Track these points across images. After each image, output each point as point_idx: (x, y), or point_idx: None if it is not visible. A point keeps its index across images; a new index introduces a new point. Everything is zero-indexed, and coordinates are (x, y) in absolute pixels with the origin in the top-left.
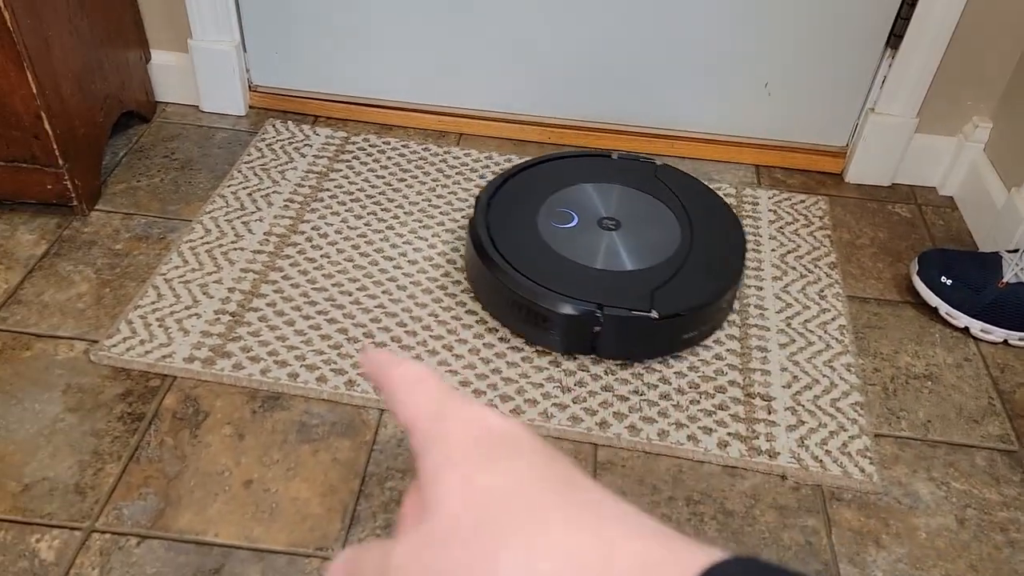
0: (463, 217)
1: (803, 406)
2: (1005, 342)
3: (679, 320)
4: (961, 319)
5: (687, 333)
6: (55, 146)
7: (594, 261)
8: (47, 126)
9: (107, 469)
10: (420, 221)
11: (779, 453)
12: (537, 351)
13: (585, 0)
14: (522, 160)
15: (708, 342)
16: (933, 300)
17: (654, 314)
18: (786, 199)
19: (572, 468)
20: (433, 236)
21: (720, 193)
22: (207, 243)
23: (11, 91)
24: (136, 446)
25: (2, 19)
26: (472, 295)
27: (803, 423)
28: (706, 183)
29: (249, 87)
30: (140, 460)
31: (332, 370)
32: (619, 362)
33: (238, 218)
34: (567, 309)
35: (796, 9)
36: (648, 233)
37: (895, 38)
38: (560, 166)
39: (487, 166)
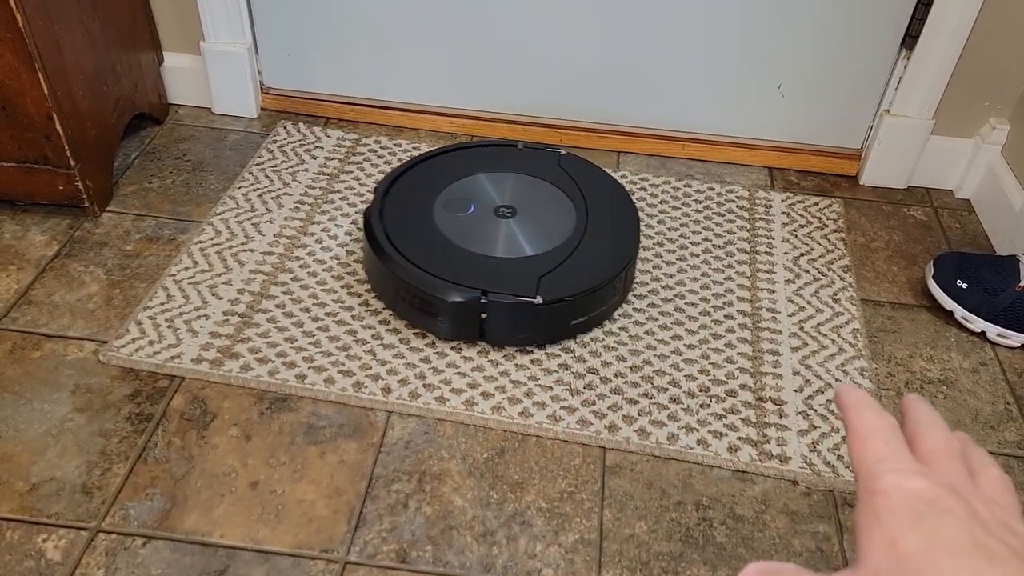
0: None
1: (815, 410)
2: (1022, 347)
3: (565, 305)
4: (977, 323)
5: (576, 319)
6: (66, 147)
7: (487, 249)
8: (58, 127)
9: (114, 469)
10: None
11: (790, 458)
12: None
13: (597, 2)
14: (426, 150)
15: (719, 345)
16: (949, 304)
17: (538, 299)
18: (800, 202)
19: (999, 532)
20: None
21: (618, 182)
22: (217, 244)
23: (23, 92)
24: (143, 446)
25: (14, 21)
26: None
27: (815, 427)
28: (609, 172)
29: (261, 89)
30: (147, 460)
31: (340, 372)
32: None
33: (248, 220)
34: (452, 296)
35: (809, 10)
36: (544, 220)
37: (910, 39)
38: (464, 156)
39: None
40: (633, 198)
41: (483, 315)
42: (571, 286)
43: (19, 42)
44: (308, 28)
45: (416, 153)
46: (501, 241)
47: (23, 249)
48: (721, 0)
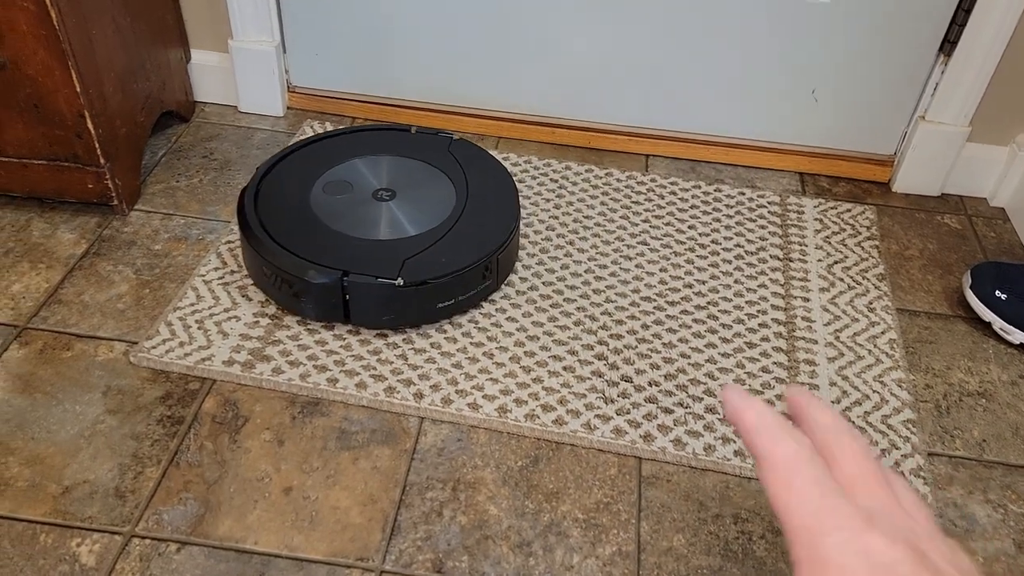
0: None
1: (853, 422)
2: None
3: (428, 288)
4: (1016, 335)
5: (442, 302)
6: (97, 146)
7: (358, 231)
8: (90, 125)
9: (147, 473)
10: None
11: None
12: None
13: (627, 4)
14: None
15: (754, 353)
16: (987, 315)
17: (399, 281)
18: (832, 208)
19: None
20: None
21: (510, 168)
22: None
23: (55, 90)
24: (176, 450)
25: (48, 18)
26: None
27: None
28: (498, 158)
29: (288, 88)
30: (180, 464)
31: (372, 376)
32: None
33: None
34: (313, 277)
35: (846, 13)
36: (422, 204)
37: (949, 44)
38: (353, 140)
39: (525, 170)
40: (663, 201)
41: (346, 296)
42: (435, 269)
43: (53, 39)
44: (336, 27)
45: None
46: (375, 224)
47: (52, 247)
48: (756, 3)
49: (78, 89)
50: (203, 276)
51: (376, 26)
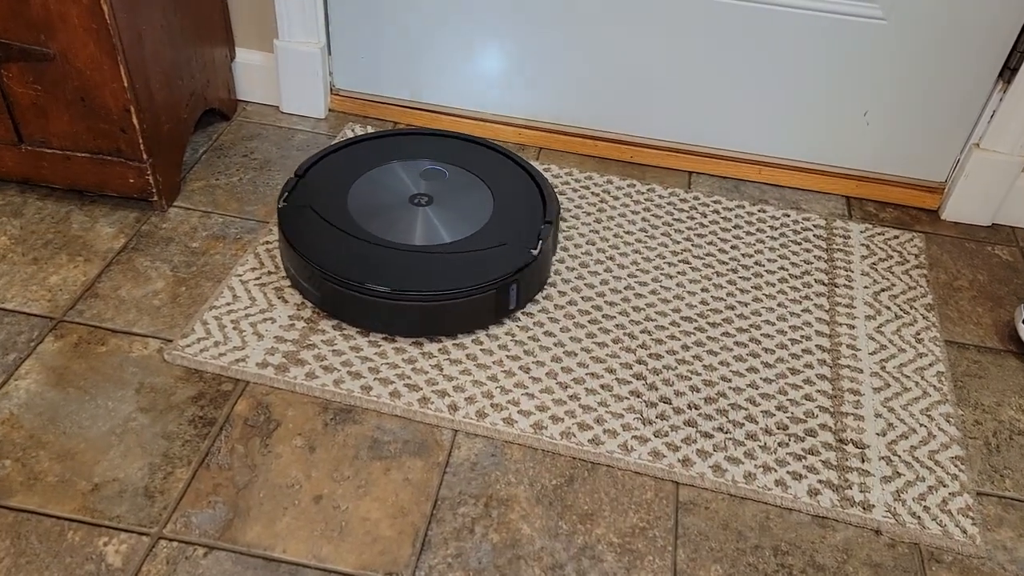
0: None
1: (899, 456)
2: None
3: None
4: None
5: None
6: (141, 140)
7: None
8: (135, 120)
9: (177, 474)
10: None
11: (874, 506)
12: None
13: (675, 19)
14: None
15: (797, 380)
16: None
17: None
18: (879, 234)
19: None
20: None
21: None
22: None
23: (103, 84)
24: (207, 452)
25: (100, 11)
26: None
27: (899, 475)
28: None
29: (331, 90)
30: (210, 467)
31: (406, 385)
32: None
33: None
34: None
35: (903, 34)
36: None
37: (1009, 71)
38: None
39: (567, 182)
40: (706, 220)
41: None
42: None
43: (103, 33)
44: (382, 32)
45: None
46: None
47: (91, 240)
48: (810, 21)
49: (125, 84)
50: (240, 276)
51: (420, 32)
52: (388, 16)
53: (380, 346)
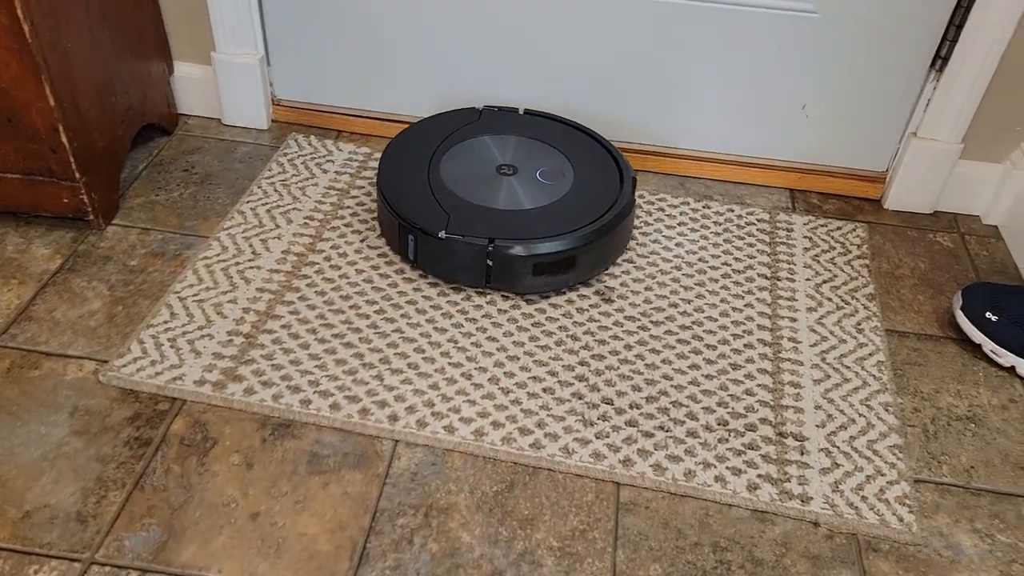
0: None
1: (838, 447)
2: None
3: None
4: (1007, 358)
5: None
6: (72, 160)
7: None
8: (64, 140)
9: (110, 497)
10: None
11: (812, 498)
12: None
13: (614, 21)
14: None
15: (739, 375)
16: (977, 336)
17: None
18: (822, 225)
19: None
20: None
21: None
22: (223, 261)
23: (29, 104)
24: (141, 473)
25: (20, 30)
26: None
27: (838, 466)
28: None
29: (272, 101)
30: (144, 488)
31: (346, 397)
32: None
33: (256, 235)
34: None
35: (836, 28)
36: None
37: (941, 60)
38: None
39: None
40: (651, 218)
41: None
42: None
43: (25, 53)
44: (321, 40)
45: None
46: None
47: (25, 263)
48: (745, 17)
49: (52, 103)
50: (178, 293)
51: (362, 39)
52: (325, 25)
53: (320, 359)
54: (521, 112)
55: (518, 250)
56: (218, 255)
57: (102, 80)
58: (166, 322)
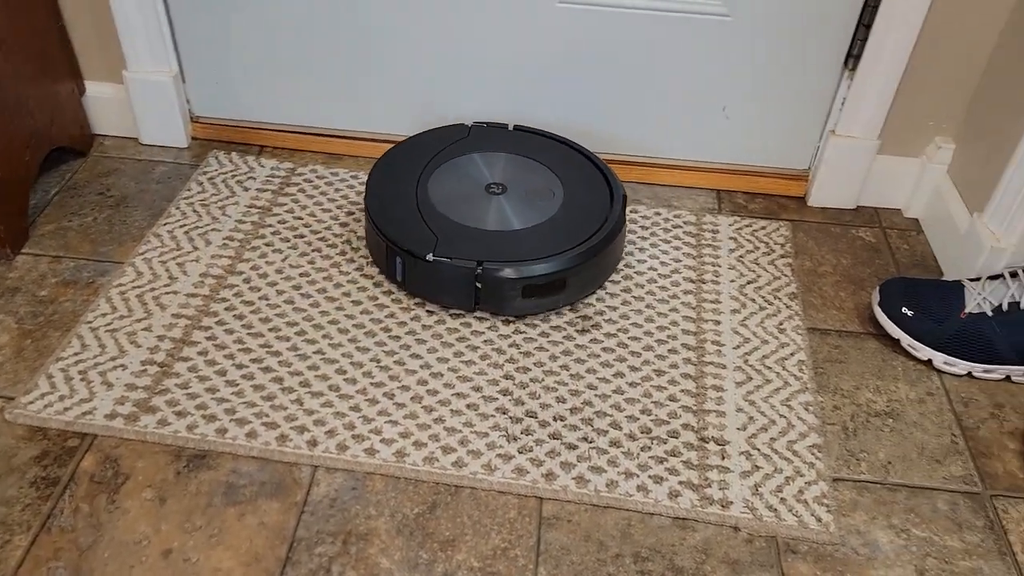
0: None
1: (758, 450)
2: (969, 374)
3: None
4: (924, 351)
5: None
6: None
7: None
8: None
9: (15, 541)
10: (367, 257)
11: (732, 502)
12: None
13: (534, 25)
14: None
15: (662, 382)
16: (895, 332)
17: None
18: (747, 225)
19: None
20: (380, 274)
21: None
22: (138, 287)
23: None
24: (48, 514)
25: None
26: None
27: (758, 468)
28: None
29: (190, 118)
30: (52, 530)
31: (264, 424)
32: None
33: (173, 259)
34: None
35: (750, 29)
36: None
37: (853, 59)
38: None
39: None
40: None
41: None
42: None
43: None
44: (237, 54)
45: (354, 182)
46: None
47: None
48: (660, 22)
49: None
50: (90, 323)
51: (278, 52)
52: (239, 39)
53: (238, 385)
54: (511, 128)
55: (507, 272)
56: (133, 281)
57: (2, 106)
58: (77, 354)
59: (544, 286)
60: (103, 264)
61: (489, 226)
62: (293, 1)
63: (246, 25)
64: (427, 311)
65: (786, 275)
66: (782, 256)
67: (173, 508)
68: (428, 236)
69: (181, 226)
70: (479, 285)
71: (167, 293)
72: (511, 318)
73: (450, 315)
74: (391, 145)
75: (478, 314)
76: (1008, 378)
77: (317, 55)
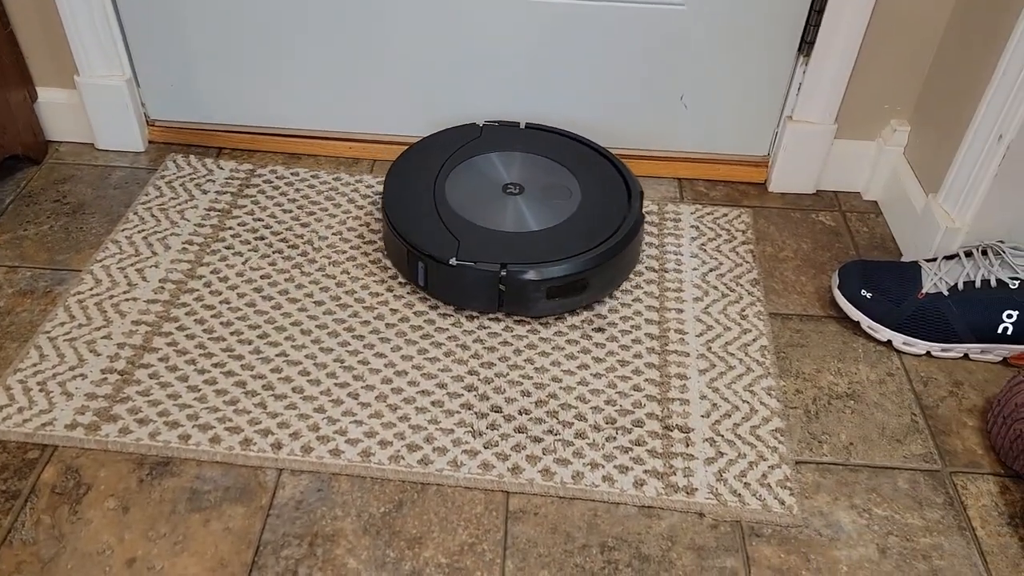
0: (375, 250)
1: (722, 436)
2: (928, 354)
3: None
4: (883, 332)
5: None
6: None
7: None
8: None
9: None
10: (329, 258)
11: (697, 489)
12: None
13: (492, 19)
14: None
15: (626, 372)
16: (855, 314)
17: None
18: (709, 213)
19: None
20: (342, 274)
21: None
22: (97, 295)
23: None
24: (9, 528)
25: None
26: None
27: (722, 455)
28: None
29: (146, 122)
30: (13, 544)
31: (227, 428)
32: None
33: (131, 265)
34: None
35: (703, 19)
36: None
37: (807, 45)
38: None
39: None
40: None
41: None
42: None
43: None
44: (191, 56)
45: (315, 181)
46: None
47: None
48: (614, 13)
49: None
50: (48, 333)
51: (233, 52)
52: (194, 39)
53: (200, 390)
54: (522, 126)
55: (532, 275)
56: (91, 289)
57: None
58: (35, 365)
59: (567, 287)
60: (60, 273)
61: (508, 227)
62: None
63: (199, 26)
64: (391, 310)
65: (748, 262)
66: (743, 243)
67: (137, 516)
68: (449, 240)
69: (140, 232)
70: (503, 288)
71: (126, 300)
72: (475, 314)
73: (413, 313)
74: (351, 144)
75: (442, 310)
76: (966, 356)
77: (273, 54)
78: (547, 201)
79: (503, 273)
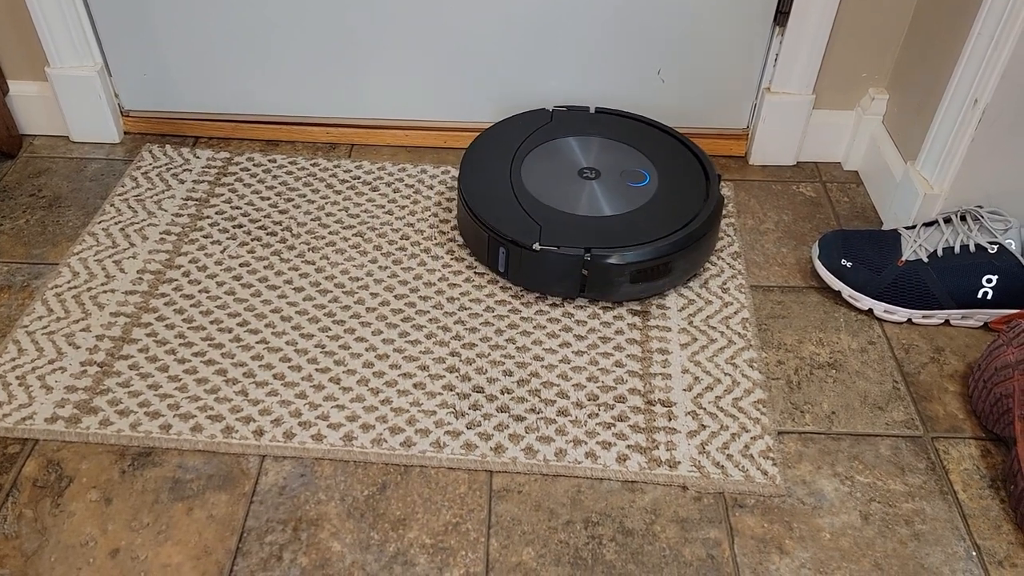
0: (355, 235)
1: (704, 409)
2: (909, 321)
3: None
4: (864, 301)
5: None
6: None
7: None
8: None
9: None
10: (308, 243)
11: (680, 462)
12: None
13: (469, 11)
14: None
15: (608, 348)
16: (835, 284)
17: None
18: None
19: None
20: (321, 259)
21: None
22: (74, 287)
23: None
24: None
25: None
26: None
27: (704, 427)
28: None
29: (121, 112)
30: None
31: (208, 417)
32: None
33: (109, 257)
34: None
35: None
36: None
37: (782, 15)
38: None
39: (380, 177)
40: None
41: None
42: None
43: None
44: (164, 44)
45: (293, 168)
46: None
47: None
48: None
49: None
50: (26, 327)
51: (207, 40)
52: (166, 27)
53: (180, 380)
54: (592, 111)
55: (615, 259)
56: (69, 282)
57: None
58: (13, 359)
59: (651, 271)
60: (37, 266)
61: (587, 212)
62: None
63: (170, 13)
64: (371, 294)
65: (729, 235)
66: (725, 216)
67: (119, 508)
68: (531, 225)
69: (116, 223)
70: (586, 272)
71: (105, 292)
72: (456, 296)
73: (394, 296)
74: (336, 128)
75: (422, 293)
76: (947, 322)
77: (248, 40)
78: (624, 185)
79: (587, 257)
